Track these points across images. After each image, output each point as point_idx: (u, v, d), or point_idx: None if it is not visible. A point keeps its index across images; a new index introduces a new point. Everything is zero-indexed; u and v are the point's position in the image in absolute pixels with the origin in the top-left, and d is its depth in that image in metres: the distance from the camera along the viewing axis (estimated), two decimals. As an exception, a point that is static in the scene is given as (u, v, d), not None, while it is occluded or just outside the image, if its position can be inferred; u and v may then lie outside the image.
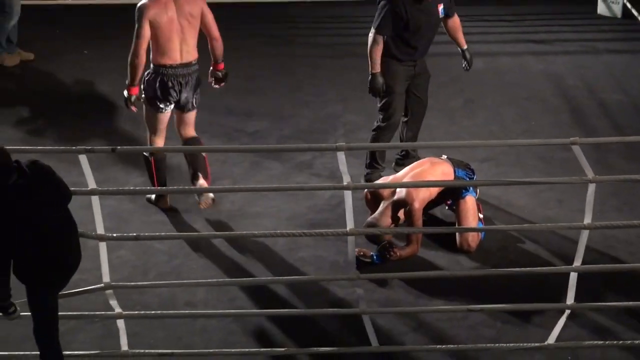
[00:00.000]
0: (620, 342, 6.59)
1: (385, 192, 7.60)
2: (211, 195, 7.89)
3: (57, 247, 5.69)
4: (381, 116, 8.33)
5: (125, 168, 8.69)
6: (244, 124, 9.75)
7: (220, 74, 8.14)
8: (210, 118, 9.81)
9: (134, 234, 6.88)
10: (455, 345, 6.57)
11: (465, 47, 8.58)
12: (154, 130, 7.99)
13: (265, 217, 8.14)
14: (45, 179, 5.64)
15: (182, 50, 7.73)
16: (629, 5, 10.63)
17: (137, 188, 8.05)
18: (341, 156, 6.39)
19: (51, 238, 5.62)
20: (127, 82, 7.82)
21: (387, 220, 7.53)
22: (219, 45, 8.01)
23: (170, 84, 7.68)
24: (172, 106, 7.88)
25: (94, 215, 6.13)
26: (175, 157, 8.81)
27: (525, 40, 10.53)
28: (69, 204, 5.82)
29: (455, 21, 8.48)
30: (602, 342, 6.59)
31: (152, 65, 7.80)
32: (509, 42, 10.69)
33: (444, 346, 6.54)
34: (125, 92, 7.87)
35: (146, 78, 7.80)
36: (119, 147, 6.56)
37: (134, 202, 8.19)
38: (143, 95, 7.90)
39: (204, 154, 8.13)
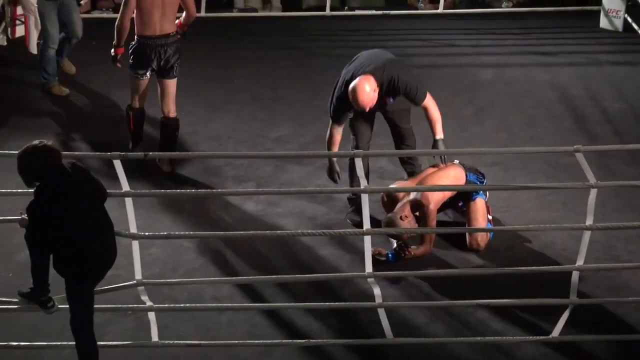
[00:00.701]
0: (621, 336, 6.62)
1: (401, 194, 7.62)
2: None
3: (96, 244, 5.75)
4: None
5: (156, 172, 8.73)
6: (268, 130, 9.79)
7: (181, 31, 8.63)
8: (236, 124, 9.87)
9: (165, 233, 6.94)
10: (465, 338, 6.60)
11: (437, 137, 7.64)
12: (135, 92, 8.65)
13: (288, 217, 8.19)
14: (84, 180, 5.72)
15: (162, 23, 8.25)
16: (629, 19, 10.62)
17: (168, 191, 8.09)
18: (358, 162, 6.43)
19: (90, 235, 5.69)
20: (114, 43, 8.49)
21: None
22: (191, 19, 8.67)
23: (150, 53, 8.29)
24: (150, 73, 8.51)
25: (128, 215, 6.19)
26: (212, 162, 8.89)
27: (532, 52, 10.55)
28: (104, 203, 5.90)
29: (426, 110, 7.61)
30: (603, 335, 6.61)
31: (135, 37, 8.39)
32: (517, 54, 10.71)
33: (454, 339, 6.58)
34: (112, 52, 8.59)
35: (130, 49, 8.44)
36: (150, 153, 6.61)
37: (164, 203, 8.23)
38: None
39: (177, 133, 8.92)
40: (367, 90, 7.25)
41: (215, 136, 9.65)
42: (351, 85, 7.32)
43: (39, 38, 10.45)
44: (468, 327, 6.75)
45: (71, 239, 5.59)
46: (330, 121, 7.76)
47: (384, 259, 7.41)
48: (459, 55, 10.51)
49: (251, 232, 7.84)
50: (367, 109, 7.39)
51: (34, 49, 10.81)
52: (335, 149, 7.65)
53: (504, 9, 11.97)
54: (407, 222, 7.44)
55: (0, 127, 9.64)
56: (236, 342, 6.51)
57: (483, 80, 9.83)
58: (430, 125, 7.72)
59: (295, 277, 7.20)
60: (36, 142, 5.56)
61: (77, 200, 5.60)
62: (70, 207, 5.55)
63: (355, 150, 7.13)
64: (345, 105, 7.53)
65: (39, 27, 10.32)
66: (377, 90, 7.35)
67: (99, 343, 6.00)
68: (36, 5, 10.27)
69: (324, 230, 6.92)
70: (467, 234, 7.64)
